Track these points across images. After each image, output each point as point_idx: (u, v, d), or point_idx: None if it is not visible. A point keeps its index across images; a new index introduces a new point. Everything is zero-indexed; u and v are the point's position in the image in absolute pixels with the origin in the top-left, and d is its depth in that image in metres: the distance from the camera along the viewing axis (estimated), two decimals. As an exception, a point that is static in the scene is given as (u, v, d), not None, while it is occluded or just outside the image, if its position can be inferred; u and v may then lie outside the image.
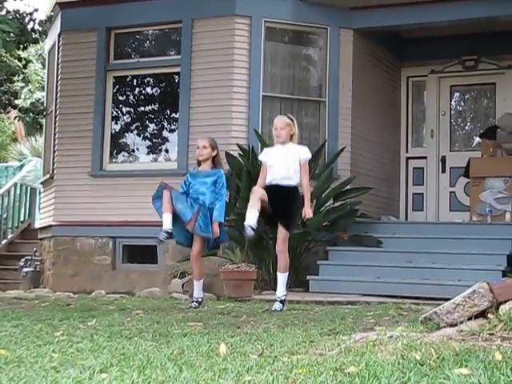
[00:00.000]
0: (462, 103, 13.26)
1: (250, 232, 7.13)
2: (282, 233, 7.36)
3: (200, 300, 7.71)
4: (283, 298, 7.35)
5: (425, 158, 12.65)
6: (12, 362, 3.82)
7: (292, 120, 7.53)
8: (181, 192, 7.75)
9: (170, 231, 7.56)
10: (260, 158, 7.83)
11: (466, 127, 13.22)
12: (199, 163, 7.92)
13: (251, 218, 7.11)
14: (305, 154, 7.49)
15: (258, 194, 7.12)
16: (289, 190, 7.34)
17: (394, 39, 12.36)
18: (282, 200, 7.28)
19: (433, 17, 10.84)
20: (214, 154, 7.83)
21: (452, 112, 12.87)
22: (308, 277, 9.98)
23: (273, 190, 7.27)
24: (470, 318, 4.07)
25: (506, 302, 4.11)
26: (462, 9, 10.59)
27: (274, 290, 9.70)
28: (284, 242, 7.37)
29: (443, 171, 12.50)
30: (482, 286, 4.16)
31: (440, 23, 11.05)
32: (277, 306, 7.23)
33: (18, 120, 13.67)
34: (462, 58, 12.29)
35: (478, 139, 12.63)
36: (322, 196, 10.34)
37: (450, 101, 12.83)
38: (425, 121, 12.83)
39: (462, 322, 4.05)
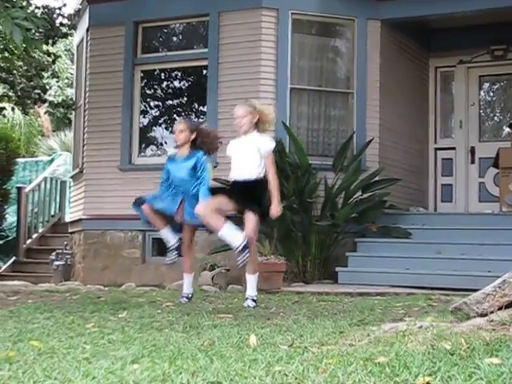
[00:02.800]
0: (491, 93, 13.15)
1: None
2: (250, 218, 6.70)
3: (190, 296, 7.35)
4: (255, 297, 6.87)
5: (453, 148, 12.55)
6: (45, 353, 3.87)
7: (254, 107, 6.89)
8: (164, 179, 7.41)
9: (176, 244, 7.37)
10: (227, 152, 7.14)
11: (495, 117, 13.11)
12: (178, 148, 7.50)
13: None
14: (266, 145, 6.82)
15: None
16: (249, 185, 6.80)
17: (422, 29, 12.27)
18: (243, 192, 6.80)
19: (461, 6, 10.76)
20: (193, 136, 7.29)
21: (481, 102, 12.77)
22: (337, 268, 9.97)
23: (235, 187, 6.91)
24: (500, 308, 4.04)
25: (536, 291, 4.09)
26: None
27: (304, 281, 9.80)
28: (254, 230, 6.75)
29: (472, 162, 12.40)
30: (512, 276, 4.14)
31: (468, 12, 10.95)
32: (249, 302, 6.77)
33: (49, 115, 13.82)
34: (490, 47, 12.18)
35: (507, 129, 12.52)
36: (351, 188, 10.33)
37: (479, 91, 12.72)
38: (453, 111, 12.73)
39: (492, 312, 4.03)
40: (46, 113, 11.56)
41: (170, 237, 7.37)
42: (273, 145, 6.91)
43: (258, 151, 6.74)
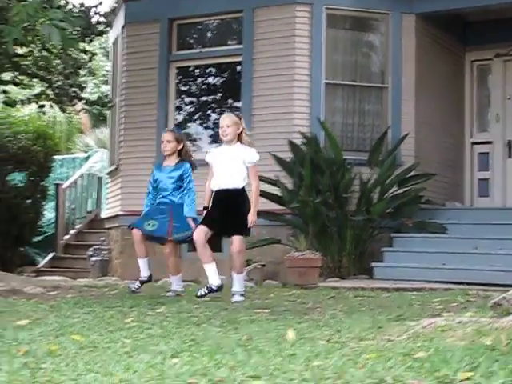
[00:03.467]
0: (528, 86, 12.99)
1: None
2: (236, 239, 6.92)
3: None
4: (243, 292, 7.02)
5: (490, 143, 12.42)
6: (86, 347, 3.91)
7: (240, 118, 7.04)
8: (151, 189, 7.65)
9: (145, 279, 7.66)
10: (206, 158, 7.20)
11: (533, 111, 12.95)
12: (165, 157, 7.68)
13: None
14: (251, 156, 6.90)
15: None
16: (234, 194, 6.91)
17: (458, 23, 12.17)
18: (230, 207, 6.92)
19: (496, -1, 10.68)
20: (180, 147, 7.52)
21: (518, 95, 12.63)
22: (372, 263, 9.95)
23: (219, 197, 6.97)
24: (540, 304, 4.02)
25: None
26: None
27: (339, 277, 9.79)
28: (241, 244, 6.94)
29: (509, 156, 12.26)
30: (552, 271, 4.11)
31: (504, 4, 10.83)
32: (237, 297, 6.91)
33: (84, 112, 13.90)
34: (527, 40, 12.04)
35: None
36: (386, 183, 10.29)
37: (516, 84, 12.58)
38: (490, 105, 12.60)
39: (532, 308, 4.01)
40: (81, 110, 11.65)
41: (145, 269, 7.66)
42: (257, 157, 6.97)
43: (243, 162, 6.87)
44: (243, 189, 6.94)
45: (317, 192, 10.01)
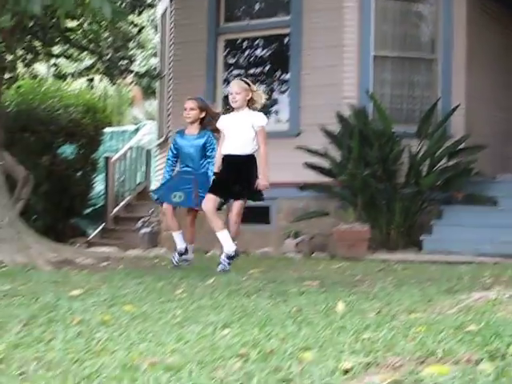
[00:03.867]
0: None
1: None
2: (238, 204, 7.07)
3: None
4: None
5: (542, 114, 12.23)
6: (138, 317, 3.97)
7: (249, 85, 7.04)
8: (171, 156, 7.66)
9: (183, 251, 7.63)
10: (217, 125, 7.23)
11: None
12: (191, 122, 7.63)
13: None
14: (259, 120, 7.01)
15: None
16: (244, 159, 7.00)
17: (510, -6, 11.95)
18: (238, 172, 7.00)
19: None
20: (203, 115, 7.51)
21: None
22: (421, 236, 9.90)
23: (228, 161, 7.01)
24: None
25: None
26: None
27: (388, 249, 9.75)
28: (239, 214, 7.10)
29: (562, 127, 12.06)
30: None
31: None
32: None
33: (135, 84, 14.01)
34: None
35: None
36: (436, 155, 10.20)
37: None
38: (542, 77, 12.38)
39: None
40: (131, 83, 11.78)
41: (180, 241, 7.62)
42: (265, 121, 7.07)
43: (252, 126, 6.93)
44: (253, 154, 7.04)
45: (365, 164, 9.96)
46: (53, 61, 11.64)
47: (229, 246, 7.00)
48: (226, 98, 11.88)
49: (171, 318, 3.95)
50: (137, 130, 17.53)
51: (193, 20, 11.93)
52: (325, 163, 10.23)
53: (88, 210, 15.12)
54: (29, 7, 6.56)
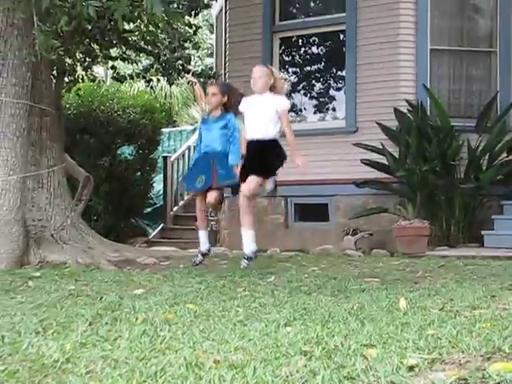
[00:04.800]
0: None
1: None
2: (253, 178, 6.80)
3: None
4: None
5: None
6: (201, 315, 4.00)
7: (272, 70, 7.04)
8: (198, 144, 7.78)
9: (206, 252, 7.67)
10: (240, 108, 7.19)
11: None
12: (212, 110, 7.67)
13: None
14: (283, 103, 6.91)
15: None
16: (265, 143, 6.87)
17: None
18: (259, 155, 6.88)
19: None
20: (225, 99, 7.50)
21: None
22: (483, 232, 9.76)
23: (250, 145, 6.94)
24: None
25: None
26: None
27: (448, 245, 9.65)
28: (254, 187, 6.82)
29: None
30: None
31: None
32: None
33: (191, 84, 13.99)
34: None
35: None
36: (495, 149, 10.05)
37: None
38: None
39: None
40: (189, 82, 11.75)
41: (204, 241, 7.68)
42: (288, 104, 7.03)
43: (275, 110, 6.82)
44: (274, 139, 6.90)
45: (424, 160, 9.86)
46: (111, 63, 11.77)
47: (252, 247, 6.93)
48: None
49: (233, 316, 3.97)
50: (194, 130, 17.63)
51: (248, 19, 11.95)
52: (383, 159, 10.15)
53: (148, 210, 15.27)
54: (84, 10, 6.66)
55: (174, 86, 21.20)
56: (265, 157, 6.89)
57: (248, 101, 7.10)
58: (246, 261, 6.90)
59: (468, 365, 2.69)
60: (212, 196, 7.47)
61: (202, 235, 7.75)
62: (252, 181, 6.79)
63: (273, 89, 6.92)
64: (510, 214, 9.97)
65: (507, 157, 10.14)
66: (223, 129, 7.45)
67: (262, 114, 6.85)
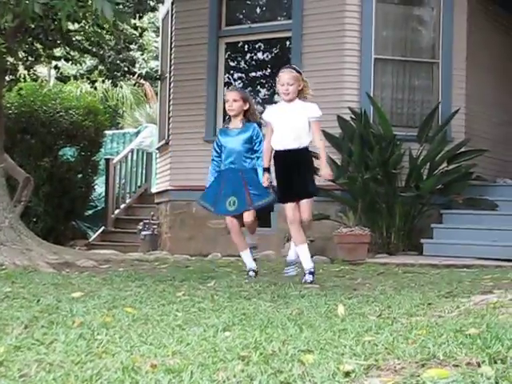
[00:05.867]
0: None
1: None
2: (306, 203, 6.40)
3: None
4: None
5: (543, 118, 12.21)
6: (139, 319, 3.97)
7: (300, 73, 6.45)
8: (215, 156, 6.90)
9: (255, 269, 6.83)
10: (264, 117, 6.60)
11: None
12: (230, 118, 6.93)
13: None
14: (314, 112, 6.36)
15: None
16: (299, 154, 6.39)
17: (511, -3, 11.95)
18: (294, 167, 6.41)
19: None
20: (246, 107, 6.75)
21: None
22: (422, 240, 9.90)
23: (281, 157, 6.43)
24: None
25: None
26: None
27: (388, 253, 9.76)
28: (310, 212, 6.48)
29: None
30: None
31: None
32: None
33: (138, 86, 13.99)
34: None
35: None
36: (436, 159, 10.20)
37: None
38: (543, 81, 12.37)
39: None
40: (135, 84, 11.77)
41: (248, 261, 6.90)
42: (320, 112, 6.43)
43: (307, 118, 6.35)
44: (307, 149, 6.45)
45: (366, 168, 9.96)
46: (54, 63, 11.64)
47: (310, 263, 6.36)
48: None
49: (172, 320, 3.96)
50: (138, 133, 17.55)
51: (194, 23, 11.94)
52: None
53: (89, 212, 15.13)
54: (30, 7, 6.56)
55: (126, 88, 21.14)
56: (301, 171, 6.43)
57: (275, 109, 6.62)
58: (310, 276, 6.26)
59: (403, 371, 2.72)
60: (249, 216, 6.72)
61: (245, 256, 6.93)
62: (308, 206, 6.41)
63: (299, 94, 6.40)
64: (448, 223, 10.13)
65: (447, 167, 10.30)
66: (248, 142, 6.71)
67: (295, 124, 6.35)
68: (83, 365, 2.87)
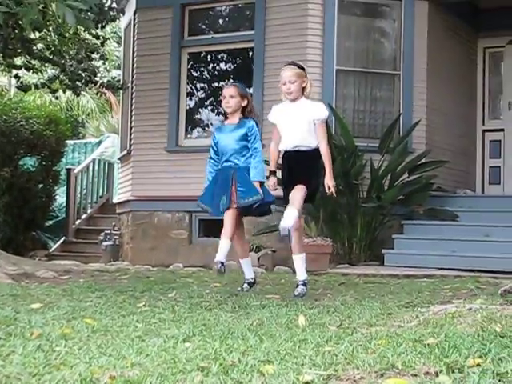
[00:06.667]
0: (541, 74, 12.90)
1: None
2: (298, 188, 5.97)
3: (253, 280, 6.55)
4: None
5: (502, 130, 12.38)
6: (99, 330, 3.95)
7: (303, 69, 6.10)
8: (213, 154, 6.51)
9: (252, 280, 6.52)
10: (269, 118, 6.28)
11: (545, 98, 12.87)
12: (226, 115, 6.56)
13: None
14: (320, 112, 6.05)
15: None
16: (307, 155, 6.04)
17: (471, 10, 12.12)
18: (301, 166, 6.04)
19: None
20: (244, 103, 6.39)
21: (530, 83, 12.56)
22: (383, 250, 9.95)
23: (289, 159, 6.14)
24: (550, 291, 4.03)
25: None
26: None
27: (349, 263, 9.81)
28: (301, 201, 5.94)
29: (521, 144, 12.23)
30: (562, 259, 4.12)
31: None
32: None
33: (100, 96, 13.88)
34: (541, 26, 11.95)
35: (557, 111, 12.32)
36: (397, 170, 10.28)
37: (529, 71, 12.51)
38: (502, 93, 12.55)
39: (542, 295, 4.01)
40: (97, 93, 11.65)
41: (247, 270, 6.57)
42: (327, 113, 6.15)
43: (312, 119, 6.00)
44: (316, 149, 6.04)
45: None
46: (15, 72, 11.54)
47: (304, 274, 6.10)
48: (189, 111, 11.92)
49: (132, 331, 3.94)
50: (100, 143, 17.46)
51: (156, 33, 11.93)
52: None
53: (49, 223, 15.00)
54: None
55: (89, 98, 21.03)
56: (308, 167, 6.06)
57: (280, 109, 6.22)
58: (303, 287, 6.03)
59: (362, 381, 2.73)
60: (229, 214, 6.29)
61: (244, 264, 6.62)
62: (298, 192, 5.98)
63: (303, 90, 6.05)
64: (409, 234, 10.21)
65: (408, 177, 10.39)
66: (243, 139, 6.32)
67: (300, 124, 6.01)
68: (41, 377, 2.85)
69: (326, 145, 6.06)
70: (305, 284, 6.05)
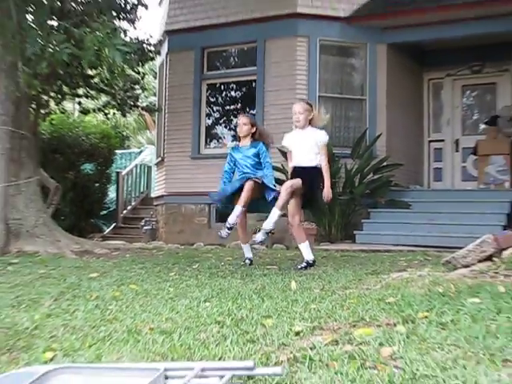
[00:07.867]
0: (471, 98, 12.85)
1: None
2: (296, 201, 5.95)
3: (251, 259, 6.39)
4: (310, 260, 5.87)
5: (443, 140, 12.37)
6: (141, 293, 3.95)
7: (311, 105, 6.11)
8: (227, 168, 6.48)
9: (250, 258, 6.38)
10: (283, 143, 6.23)
11: (474, 117, 12.84)
12: (239, 138, 6.56)
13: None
14: (323, 138, 6.03)
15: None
16: (311, 170, 5.98)
17: (418, 50, 12.06)
18: (307, 177, 5.94)
19: (446, 33, 10.56)
20: (253, 130, 6.42)
21: (463, 105, 12.53)
22: (354, 231, 9.92)
23: (299, 172, 6.02)
24: (479, 261, 4.02)
25: (507, 248, 4.06)
26: (469, 26, 10.28)
27: (329, 242, 9.77)
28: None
29: (457, 151, 12.22)
30: (488, 237, 4.12)
31: (452, 38, 10.74)
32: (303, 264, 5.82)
33: (141, 116, 13.85)
34: (470, 63, 11.93)
35: (483, 126, 12.29)
36: (364, 171, 10.25)
37: (462, 97, 12.48)
38: (442, 112, 12.53)
39: (473, 264, 4.01)
40: (139, 115, 11.75)
41: (247, 252, 6.45)
42: (327, 137, 6.08)
43: (316, 143, 5.98)
44: (317, 167, 6.00)
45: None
46: (78, 99, 11.55)
47: (310, 255, 5.88)
48: (207, 127, 11.90)
49: (166, 294, 3.94)
50: (141, 152, 17.46)
51: (183, 69, 11.91)
52: (283, 176, 10.22)
53: (104, 212, 15.00)
54: (59, 57, 6.51)
55: (130, 118, 21.01)
56: (311, 179, 5.97)
57: (291, 135, 6.14)
58: (305, 264, 5.81)
59: (339, 330, 2.73)
60: (250, 184, 6.07)
61: (245, 248, 6.51)
62: (296, 203, 5.91)
63: (312, 122, 6.05)
64: (374, 219, 10.18)
65: (373, 176, 10.36)
66: (256, 156, 6.33)
67: (306, 147, 5.96)
68: (98, 328, 2.85)
69: (327, 162, 6.04)
70: (307, 262, 5.80)
